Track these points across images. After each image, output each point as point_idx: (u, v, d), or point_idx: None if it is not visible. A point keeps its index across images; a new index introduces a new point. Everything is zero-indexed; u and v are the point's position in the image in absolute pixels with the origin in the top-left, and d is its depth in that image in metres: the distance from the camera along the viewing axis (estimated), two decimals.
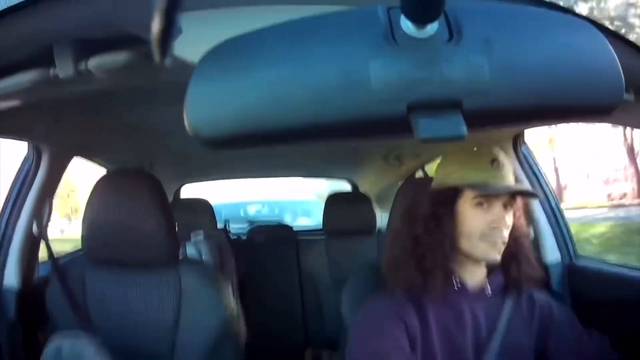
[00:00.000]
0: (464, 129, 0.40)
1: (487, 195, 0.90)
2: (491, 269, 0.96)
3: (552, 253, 1.35)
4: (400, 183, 1.23)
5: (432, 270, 0.90)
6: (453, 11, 0.42)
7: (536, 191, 1.42)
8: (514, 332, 0.94)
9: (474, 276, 0.95)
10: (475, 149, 0.97)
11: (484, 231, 0.90)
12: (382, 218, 2.63)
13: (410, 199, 1.03)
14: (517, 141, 1.44)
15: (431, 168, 2.45)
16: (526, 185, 1.36)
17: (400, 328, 0.90)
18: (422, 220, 0.94)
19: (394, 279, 0.95)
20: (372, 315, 0.94)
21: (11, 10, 0.49)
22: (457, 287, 0.93)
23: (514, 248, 0.95)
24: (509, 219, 0.92)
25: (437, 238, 0.91)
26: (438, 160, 2.37)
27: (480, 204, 0.91)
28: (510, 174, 0.94)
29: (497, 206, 0.90)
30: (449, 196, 0.93)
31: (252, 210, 4.07)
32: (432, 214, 0.93)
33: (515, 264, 0.95)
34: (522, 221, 0.99)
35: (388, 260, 0.98)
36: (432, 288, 0.90)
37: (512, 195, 0.92)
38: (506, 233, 0.91)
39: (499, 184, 0.91)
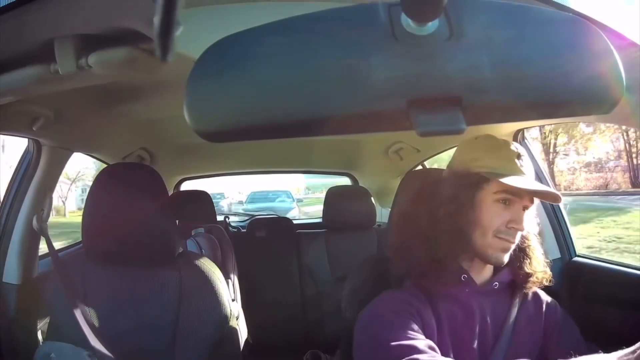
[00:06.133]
0: (463, 124, 0.40)
1: (511, 190, 0.85)
2: (498, 267, 0.93)
3: (551, 251, 1.35)
4: (399, 178, 1.24)
5: (444, 260, 0.86)
6: (454, 9, 0.41)
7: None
8: (520, 330, 0.91)
9: (482, 274, 0.92)
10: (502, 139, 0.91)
11: (499, 229, 0.86)
12: (381, 213, 2.64)
13: (431, 179, 0.97)
14: (518, 137, 1.44)
15: (439, 161, 2.45)
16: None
17: (417, 322, 0.85)
18: (444, 200, 0.88)
19: (402, 265, 0.91)
20: (387, 308, 0.87)
21: (13, 6, 0.49)
22: (466, 283, 0.90)
23: (522, 244, 0.92)
24: (525, 222, 0.87)
25: (456, 223, 0.86)
26: (437, 156, 2.36)
27: (501, 200, 0.87)
28: (532, 174, 0.89)
29: (517, 206, 0.87)
30: (473, 182, 0.88)
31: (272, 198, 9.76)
32: (454, 196, 0.88)
33: (523, 260, 0.92)
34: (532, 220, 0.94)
35: (395, 245, 0.92)
36: (444, 279, 0.86)
37: (531, 198, 0.87)
38: (519, 235, 0.88)
39: (525, 181, 0.85)
